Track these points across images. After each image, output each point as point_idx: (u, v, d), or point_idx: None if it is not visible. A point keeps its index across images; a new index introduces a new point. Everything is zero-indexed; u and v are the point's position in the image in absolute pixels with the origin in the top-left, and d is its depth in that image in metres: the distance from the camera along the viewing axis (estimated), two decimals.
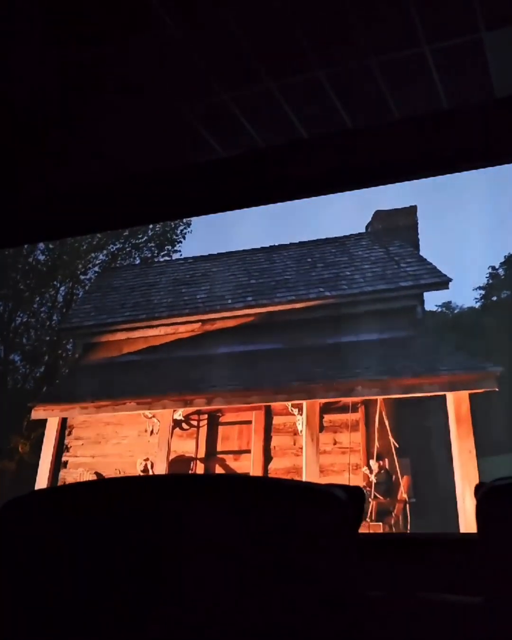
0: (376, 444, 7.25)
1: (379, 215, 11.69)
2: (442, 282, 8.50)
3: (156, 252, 17.29)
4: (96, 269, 16.63)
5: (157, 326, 9.61)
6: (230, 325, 9.32)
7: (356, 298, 8.82)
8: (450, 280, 8.55)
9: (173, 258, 17.07)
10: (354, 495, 0.78)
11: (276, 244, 12.28)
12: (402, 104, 1.21)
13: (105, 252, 17.02)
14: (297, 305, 9.02)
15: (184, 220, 17.42)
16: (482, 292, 19.63)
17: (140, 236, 17.46)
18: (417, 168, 1.33)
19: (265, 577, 0.70)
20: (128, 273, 12.55)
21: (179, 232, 17.24)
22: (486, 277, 19.65)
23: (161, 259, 17.42)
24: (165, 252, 17.22)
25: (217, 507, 0.74)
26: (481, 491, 0.77)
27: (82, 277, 16.24)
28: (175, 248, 17.21)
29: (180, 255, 17.17)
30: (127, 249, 17.08)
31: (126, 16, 1.02)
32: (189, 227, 17.31)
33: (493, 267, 19.40)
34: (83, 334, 10.02)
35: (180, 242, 17.24)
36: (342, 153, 1.34)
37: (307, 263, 10.66)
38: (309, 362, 8.23)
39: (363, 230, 12.45)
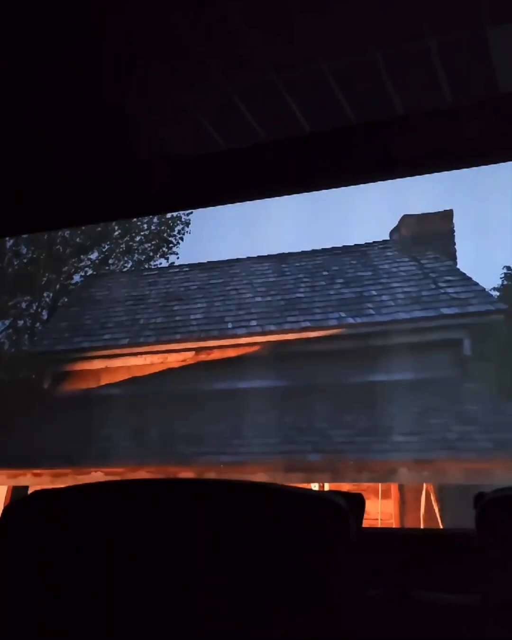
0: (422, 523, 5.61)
1: (407, 220, 9.97)
2: (497, 311, 6.80)
3: (152, 253, 15.58)
4: (82, 276, 14.95)
5: (142, 354, 7.93)
6: (230, 354, 7.64)
7: (386, 327, 7.12)
8: (505, 309, 6.85)
9: (169, 262, 15.39)
10: (354, 502, 0.79)
11: (285, 252, 10.61)
12: (406, 98, 1.20)
13: (94, 254, 15.32)
14: (312, 334, 7.33)
15: (182, 219, 15.74)
16: None
17: (134, 236, 15.77)
18: (421, 163, 1.31)
19: (265, 582, 0.71)
20: (114, 282, 10.86)
21: (176, 232, 15.53)
22: None
23: (157, 262, 15.74)
24: (161, 254, 15.51)
25: (218, 511, 0.74)
26: (481, 501, 0.78)
27: (66, 283, 14.54)
28: (171, 250, 15.50)
29: (178, 258, 15.49)
30: (119, 252, 15.36)
31: (127, 8, 1.00)
32: (187, 226, 15.61)
33: None
34: (53, 360, 8.35)
35: (178, 243, 15.54)
36: (345, 147, 1.32)
37: (323, 277, 8.96)
38: (328, 408, 6.57)
39: (387, 237, 10.76)
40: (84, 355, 8.12)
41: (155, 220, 15.67)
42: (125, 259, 15.43)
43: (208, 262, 10.90)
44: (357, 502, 0.80)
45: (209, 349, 7.70)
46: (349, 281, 8.58)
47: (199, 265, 10.87)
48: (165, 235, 15.48)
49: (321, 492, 0.80)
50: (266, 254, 10.66)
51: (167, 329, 8.25)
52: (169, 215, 15.61)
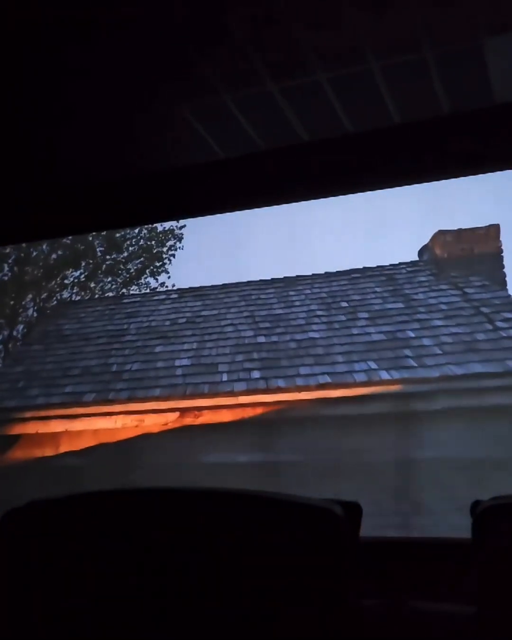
0: None
1: (442, 237, 8.19)
2: None
3: (138, 273, 13.78)
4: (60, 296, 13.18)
5: (112, 414, 6.12)
6: (224, 418, 5.83)
7: (433, 386, 5.32)
8: None
9: (158, 281, 13.61)
10: (351, 510, 0.78)
11: (293, 275, 8.83)
12: (402, 108, 1.20)
13: (74, 274, 13.55)
14: (334, 393, 5.52)
15: (175, 232, 13.97)
16: None
17: (122, 251, 14.01)
18: (417, 173, 1.31)
19: (260, 591, 0.71)
20: (88, 311, 9.07)
21: (166, 249, 13.74)
22: None
23: (143, 280, 13.96)
24: (147, 275, 13.72)
25: (214, 520, 0.74)
26: (478, 508, 0.78)
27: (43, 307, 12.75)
28: (162, 267, 13.71)
29: (169, 278, 13.72)
30: (102, 271, 13.58)
31: (123, 17, 1.00)
32: (180, 242, 13.84)
33: None
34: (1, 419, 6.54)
35: (169, 261, 13.76)
36: (343, 156, 1.32)
37: (342, 311, 7.16)
38: (353, 492, 4.75)
39: (415, 256, 8.98)
40: (38, 414, 6.31)
41: (144, 232, 13.93)
42: (109, 279, 13.65)
43: (200, 286, 9.13)
44: (353, 511, 0.79)
45: (198, 409, 5.89)
46: (376, 316, 6.78)
47: (190, 290, 9.10)
48: (155, 250, 13.69)
49: (317, 500, 0.77)
50: (270, 278, 8.89)
51: (145, 379, 6.45)
52: (159, 228, 13.89)
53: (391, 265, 8.39)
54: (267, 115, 1.22)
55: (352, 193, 1.45)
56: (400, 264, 8.37)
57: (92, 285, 13.48)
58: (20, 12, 0.96)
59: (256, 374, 6.01)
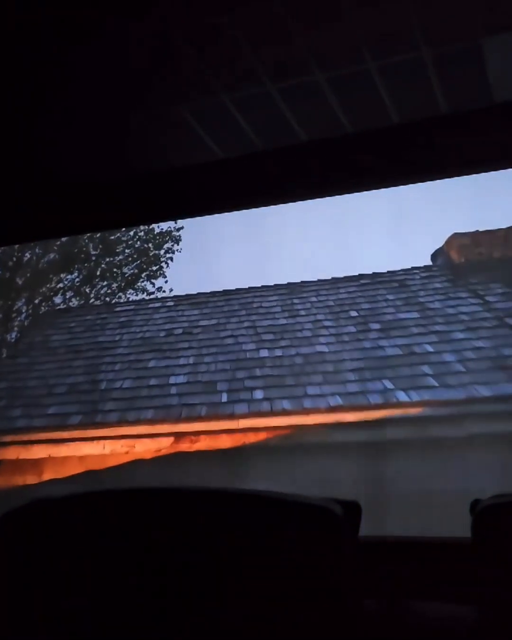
0: None
1: (457, 240, 7.61)
2: None
3: (133, 278, 13.19)
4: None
5: (99, 439, 5.54)
6: (224, 444, 5.24)
7: (458, 409, 4.73)
8: None
9: (155, 286, 13.02)
10: (350, 509, 0.78)
11: (297, 281, 8.25)
12: (401, 107, 1.20)
13: (69, 277, 12.96)
14: (347, 417, 4.94)
15: (173, 234, 13.39)
16: None
17: (118, 254, 13.42)
18: (416, 172, 1.31)
19: (259, 591, 0.70)
20: (79, 321, 8.48)
21: (163, 251, 13.15)
22: None
23: (141, 283, 13.37)
24: (143, 279, 13.13)
25: (213, 520, 0.74)
26: (478, 507, 0.77)
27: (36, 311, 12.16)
28: (159, 271, 13.13)
29: (166, 282, 13.13)
30: (97, 275, 12.98)
31: (123, 15, 1.01)
32: (177, 244, 13.26)
33: None
34: None
35: (167, 263, 13.17)
36: (341, 156, 1.32)
37: (352, 321, 6.57)
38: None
39: (427, 260, 8.41)
40: (19, 439, 5.72)
41: (141, 234, 13.35)
42: (105, 283, 13.05)
43: (198, 293, 8.55)
44: (353, 510, 0.79)
45: (194, 434, 5.30)
46: (389, 327, 6.19)
47: (187, 297, 8.52)
48: (151, 254, 13.10)
49: (316, 500, 0.75)
50: (272, 284, 8.31)
51: (137, 399, 5.86)
52: (156, 231, 13.31)
53: (402, 270, 7.81)
54: (265, 115, 1.22)
55: (351, 193, 1.45)
56: (413, 269, 7.79)
57: (87, 289, 12.88)
58: (20, 13, 0.96)
59: (258, 394, 5.42)
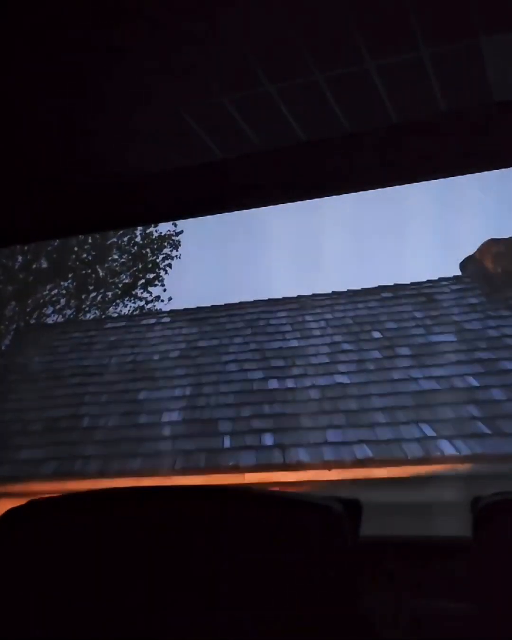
0: None
1: (492, 247, 6.67)
2: None
3: (130, 280, 12.26)
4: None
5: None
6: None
7: None
8: None
9: (152, 295, 12.09)
10: (351, 508, 0.78)
11: (306, 294, 7.33)
12: (400, 107, 1.20)
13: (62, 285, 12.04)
14: (376, 473, 4.00)
15: (172, 239, 12.47)
16: None
17: (113, 262, 12.50)
18: (415, 172, 1.31)
19: (259, 589, 0.71)
20: (64, 339, 7.57)
21: (161, 258, 12.23)
22: None
23: (137, 292, 12.44)
24: (140, 288, 12.19)
25: (213, 518, 0.74)
26: (479, 504, 0.77)
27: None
28: (156, 279, 12.20)
29: (164, 291, 12.20)
30: (91, 284, 12.05)
31: (123, 19, 1.02)
32: (177, 249, 12.34)
33: None
34: None
35: (166, 271, 12.24)
36: (341, 156, 1.32)
37: (374, 343, 5.64)
38: None
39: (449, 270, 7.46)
40: None
41: (138, 239, 12.45)
42: (101, 291, 12.12)
43: (197, 308, 7.63)
44: (354, 508, 0.79)
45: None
46: (421, 353, 5.25)
47: (185, 312, 7.60)
48: (148, 260, 12.17)
49: (317, 498, 0.75)
50: (280, 297, 7.38)
51: (123, 442, 4.94)
52: (155, 235, 12.39)
53: (429, 281, 6.87)
54: (265, 115, 1.22)
55: (351, 193, 1.43)
56: (440, 280, 6.84)
57: (74, 302, 11.96)
58: (21, 13, 0.97)
59: (268, 439, 4.49)
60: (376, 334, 5.81)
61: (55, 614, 0.74)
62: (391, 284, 6.99)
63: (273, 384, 5.30)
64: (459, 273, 7.14)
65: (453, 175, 1.33)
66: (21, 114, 1.23)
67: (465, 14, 0.98)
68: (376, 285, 7.04)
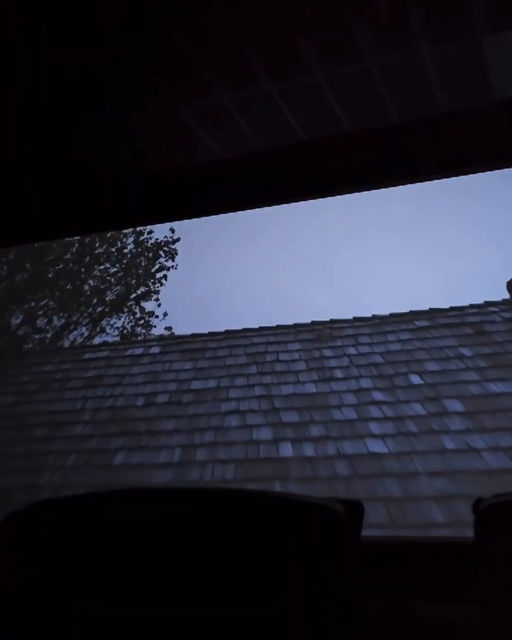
0: None
1: None
2: None
3: (121, 292, 11.07)
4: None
5: None
6: None
7: None
8: None
9: (144, 310, 10.89)
10: (353, 509, 0.78)
11: (322, 319, 6.12)
12: (400, 107, 1.21)
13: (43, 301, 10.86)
14: None
15: (170, 247, 11.29)
16: None
17: (103, 273, 11.32)
18: (415, 172, 1.29)
19: (260, 591, 0.71)
20: (34, 373, 6.39)
21: (156, 268, 11.03)
22: None
23: (129, 305, 11.24)
24: (131, 302, 11.00)
25: (214, 519, 0.74)
26: (481, 506, 0.77)
27: None
28: (148, 294, 11.00)
29: (159, 305, 11.00)
30: (74, 306, 10.85)
31: (125, 19, 1.02)
32: (173, 259, 11.14)
33: None
34: None
35: (160, 283, 11.06)
36: (341, 156, 1.32)
37: (414, 391, 4.43)
38: None
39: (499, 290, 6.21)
40: None
41: (131, 246, 11.28)
42: (81, 311, 10.93)
43: (192, 335, 6.44)
44: (355, 510, 0.79)
45: None
46: (478, 410, 4.04)
47: (176, 340, 6.40)
48: (140, 271, 10.98)
49: (319, 499, 0.74)
50: (292, 323, 6.17)
51: None
52: (150, 243, 11.23)
53: (472, 306, 5.65)
54: (265, 115, 1.21)
55: (351, 193, 1.42)
56: (486, 304, 5.63)
57: (62, 313, 10.78)
58: (20, 13, 0.96)
59: None
60: (414, 379, 4.61)
61: (58, 614, 0.74)
62: (426, 309, 5.79)
63: (286, 449, 4.10)
64: (506, 295, 5.94)
65: (454, 175, 1.30)
66: (21, 113, 1.21)
67: (466, 14, 0.98)
68: (406, 309, 5.85)
